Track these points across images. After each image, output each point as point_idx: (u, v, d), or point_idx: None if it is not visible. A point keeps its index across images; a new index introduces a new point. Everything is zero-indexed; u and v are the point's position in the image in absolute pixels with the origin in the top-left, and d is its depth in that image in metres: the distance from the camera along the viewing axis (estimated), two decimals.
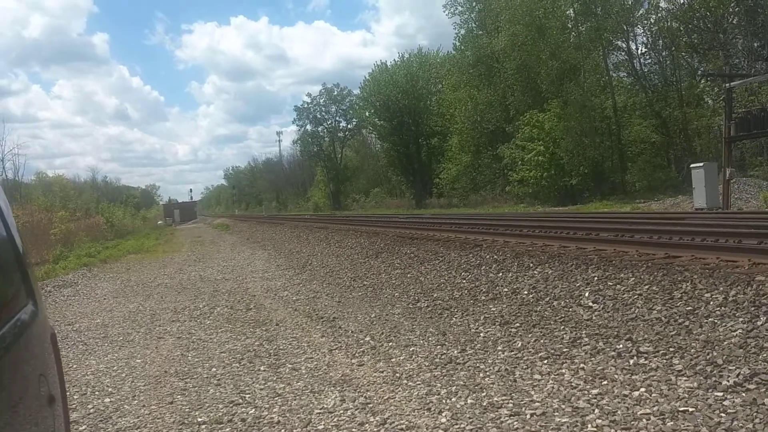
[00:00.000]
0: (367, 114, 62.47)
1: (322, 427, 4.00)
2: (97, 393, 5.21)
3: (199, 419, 4.35)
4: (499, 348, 5.49)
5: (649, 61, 36.42)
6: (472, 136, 42.37)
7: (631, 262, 7.21)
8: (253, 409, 4.44)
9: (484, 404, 4.10)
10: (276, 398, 4.66)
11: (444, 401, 4.25)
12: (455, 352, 5.49)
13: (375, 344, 6.09)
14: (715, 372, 4.12)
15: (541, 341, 5.52)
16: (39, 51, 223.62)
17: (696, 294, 5.65)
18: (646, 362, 4.56)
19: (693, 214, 15.93)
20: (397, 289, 9.30)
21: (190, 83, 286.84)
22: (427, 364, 5.21)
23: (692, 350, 4.59)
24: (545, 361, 4.94)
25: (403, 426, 3.87)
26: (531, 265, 8.38)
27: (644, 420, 3.56)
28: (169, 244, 30.06)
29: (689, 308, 5.42)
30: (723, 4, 29.76)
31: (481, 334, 6.06)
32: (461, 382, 4.62)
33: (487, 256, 9.66)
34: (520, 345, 5.49)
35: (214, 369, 5.68)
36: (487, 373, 4.79)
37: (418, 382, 4.72)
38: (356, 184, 69.23)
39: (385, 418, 4.03)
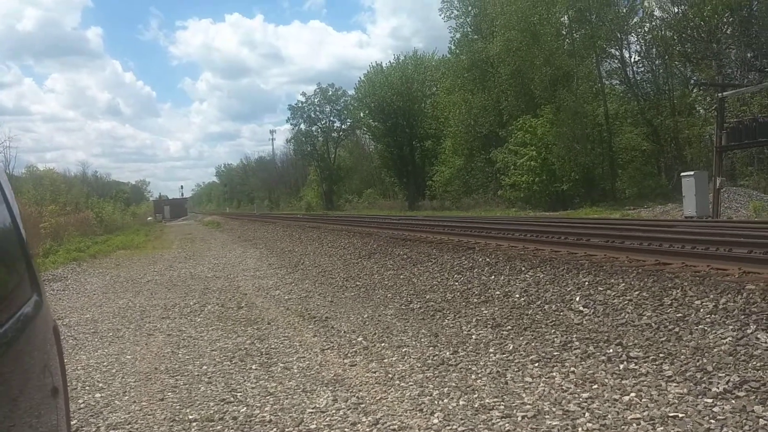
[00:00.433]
0: (361, 115, 62.51)
1: (315, 426, 4.00)
2: (87, 388, 5.17)
3: (190, 416, 4.33)
4: (491, 350, 5.52)
5: (642, 69, 36.72)
6: (466, 139, 42.53)
7: (621, 267, 7.26)
8: (245, 408, 4.43)
9: (476, 406, 4.13)
10: (268, 397, 4.65)
11: (436, 402, 4.27)
12: (447, 353, 5.51)
13: (367, 344, 6.10)
14: (705, 378, 4.17)
15: (533, 344, 5.55)
16: (32, 44, 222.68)
17: (686, 301, 5.71)
18: (636, 367, 4.60)
19: (683, 222, 16.05)
20: (390, 290, 9.31)
21: (183, 80, 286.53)
22: (419, 365, 5.22)
23: (682, 356, 4.64)
24: (536, 364, 4.97)
25: (396, 426, 3.88)
26: (523, 268, 8.43)
27: (634, 424, 3.60)
28: (159, 240, 29.86)
29: (679, 315, 5.48)
30: (717, 14, 30.07)
31: (473, 336, 6.08)
32: (453, 384, 4.64)
33: (480, 259, 9.70)
34: (511, 348, 5.52)
35: (205, 367, 5.65)
36: (479, 375, 4.82)
37: (410, 383, 4.73)
38: (349, 185, 69.16)
39: (377, 418, 4.04)
